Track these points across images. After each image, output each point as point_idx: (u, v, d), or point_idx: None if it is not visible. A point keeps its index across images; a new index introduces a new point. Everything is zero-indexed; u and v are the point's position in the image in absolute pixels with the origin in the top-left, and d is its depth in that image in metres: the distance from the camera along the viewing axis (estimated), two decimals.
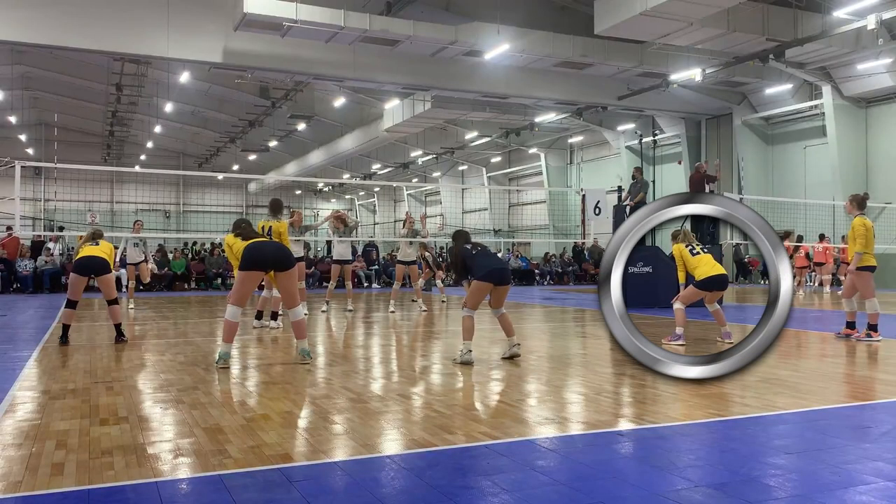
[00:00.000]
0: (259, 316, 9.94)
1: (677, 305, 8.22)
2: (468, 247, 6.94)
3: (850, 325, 8.65)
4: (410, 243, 13.53)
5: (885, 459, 3.61)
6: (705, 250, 8.42)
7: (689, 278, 8.37)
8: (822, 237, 19.74)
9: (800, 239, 19.64)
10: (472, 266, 6.75)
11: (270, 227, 9.72)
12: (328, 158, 38.33)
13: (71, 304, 8.13)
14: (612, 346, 3.90)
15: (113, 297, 8.23)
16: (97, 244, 8.27)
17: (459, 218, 41.81)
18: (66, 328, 8.15)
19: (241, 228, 6.95)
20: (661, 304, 12.87)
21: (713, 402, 4.99)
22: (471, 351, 6.68)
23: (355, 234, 14.51)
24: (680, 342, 8.00)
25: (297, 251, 11.24)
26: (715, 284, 8.07)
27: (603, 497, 3.07)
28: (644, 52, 20.24)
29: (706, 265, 8.12)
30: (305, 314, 9.28)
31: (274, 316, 9.87)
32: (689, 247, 8.38)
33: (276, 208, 10.18)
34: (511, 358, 6.83)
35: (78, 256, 8.25)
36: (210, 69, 23.36)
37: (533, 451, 3.78)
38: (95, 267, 8.08)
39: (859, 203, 8.60)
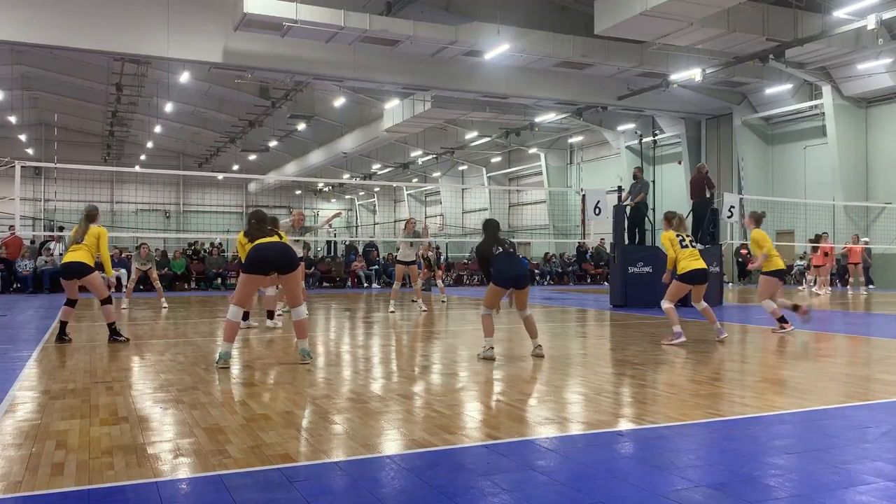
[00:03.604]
0: (270, 315, 10.13)
1: (665, 305, 8.34)
2: (494, 246, 7.06)
3: (782, 320, 9.11)
4: (411, 244, 13.55)
5: (885, 459, 3.61)
6: (694, 245, 8.57)
7: (672, 273, 8.46)
8: (817, 237, 19.58)
9: (817, 239, 19.42)
10: (492, 269, 7.02)
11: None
12: (328, 158, 38.31)
13: (70, 303, 8.21)
14: None
15: (103, 296, 8.21)
16: (80, 244, 8.08)
17: (459, 218, 41.83)
18: (63, 324, 8.23)
19: (250, 226, 6.96)
20: None
21: (713, 402, 4.99)
22: (493, 347, 6.97)
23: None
24: (681, 340, 8.00)
25: (297, 251, 11.26)
26: (695, 278, 8.27)
27: (603, 497, 3.06)
28: (644, 52, 20.24)
29: (688, 259, 8.30)
30: (306, 314, 9.28)
31: (270, 315, 9.99)
32: (680, 238, 8.46)
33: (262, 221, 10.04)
34: (538, 357, 7.01)
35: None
36: (210, 69, 23.38)
37: (533, 451, 3.78)
38: (75, 271, 8.05)
39: (757, 219, 9.50)
